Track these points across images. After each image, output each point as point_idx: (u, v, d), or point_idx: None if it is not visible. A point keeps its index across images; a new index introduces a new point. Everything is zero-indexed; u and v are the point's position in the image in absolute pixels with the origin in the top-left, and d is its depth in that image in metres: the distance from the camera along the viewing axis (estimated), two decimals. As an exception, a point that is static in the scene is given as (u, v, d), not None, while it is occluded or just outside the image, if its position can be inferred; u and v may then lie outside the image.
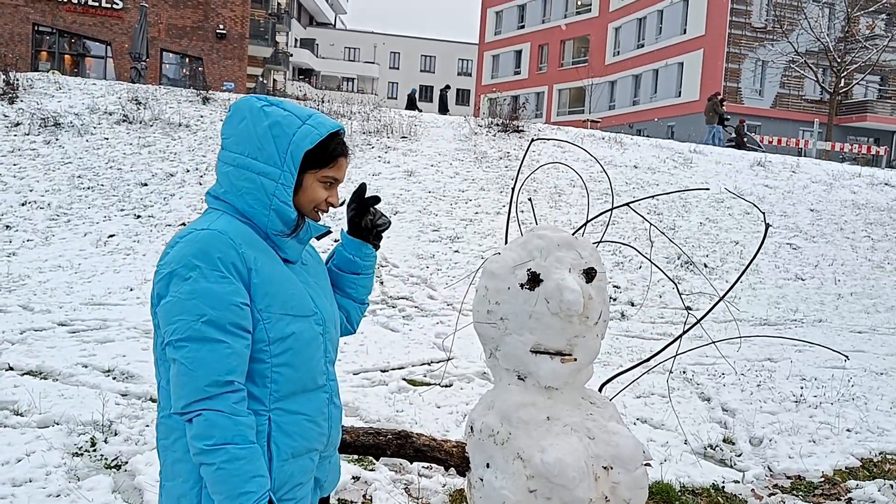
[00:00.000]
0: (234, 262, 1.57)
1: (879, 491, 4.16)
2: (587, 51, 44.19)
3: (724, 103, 20.89)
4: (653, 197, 3.33)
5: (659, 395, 5.55)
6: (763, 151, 19.49)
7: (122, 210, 9.67)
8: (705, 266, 9.94)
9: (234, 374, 1.54)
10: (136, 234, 9.10)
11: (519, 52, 49.33)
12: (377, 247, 2.01)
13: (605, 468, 2.15)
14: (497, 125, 15.04)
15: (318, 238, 1.83)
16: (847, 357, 3.48)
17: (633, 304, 8.63)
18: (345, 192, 1.85)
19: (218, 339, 1.52)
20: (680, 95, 36.95)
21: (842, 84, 30.17)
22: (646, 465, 2.24)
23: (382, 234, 2.00)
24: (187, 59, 26.69)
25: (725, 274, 9.90)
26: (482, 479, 2.19)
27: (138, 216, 9.56)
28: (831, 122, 29.00)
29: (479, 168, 12.80)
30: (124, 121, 12.42)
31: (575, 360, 2.20)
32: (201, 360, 1.51)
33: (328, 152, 1.71)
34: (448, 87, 26.15)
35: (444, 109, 23.64)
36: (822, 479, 4.38)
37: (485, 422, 2.21)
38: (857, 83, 32.02)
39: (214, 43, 26.78)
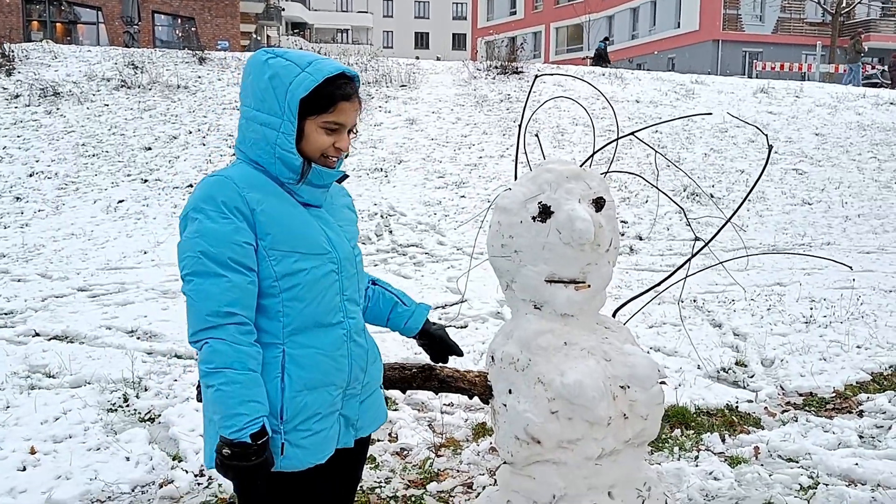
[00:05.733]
0: (238, 204, 1.67)
1: (890, 402, 4.26)
2: (583, -15, 43.21)
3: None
4: (657, 125, 3.37)
5: (671, 324, 5.65)
6: None
7: (128, 175, 9.71)
8: (711, 196, 9.95)
9: (236, 307, 1.65)
10: (144, 198, 9.16)
11: (514, -8, 48.34)
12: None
13: (622, 388, 2.24)
14: (496, 68, 14.87)
15: (339, 181, 1.89)
16: (851, 268, 3.54)
17: (640, 238, 8.68)
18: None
19: (218, 273, 1.64)
20: (679, 27, 36.24)
21: (843, 4, 29.48)
22: (661, 383, 2.33)
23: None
24: (179, 20, 26.29)
25: (732, 203, 9.91)
26: (506, 405, 2.28)
27: (145, 180, 9.61)
28: (834, 43, 28.43)
29: (480, 112, 12.72)
30: (123, 86, 12.36)
31: (589, 286, 2.27)
32: (204, 293, 1.64)
33: (325, 98, 1.73)
34: (607, 38, 25.35)
35: (605, 62, 21.32)
36: (834, 395, 4.49)
37: (505, 350, 2.30)
38: (860, 2, 31.30)
39: (206, 2, 26.34)
